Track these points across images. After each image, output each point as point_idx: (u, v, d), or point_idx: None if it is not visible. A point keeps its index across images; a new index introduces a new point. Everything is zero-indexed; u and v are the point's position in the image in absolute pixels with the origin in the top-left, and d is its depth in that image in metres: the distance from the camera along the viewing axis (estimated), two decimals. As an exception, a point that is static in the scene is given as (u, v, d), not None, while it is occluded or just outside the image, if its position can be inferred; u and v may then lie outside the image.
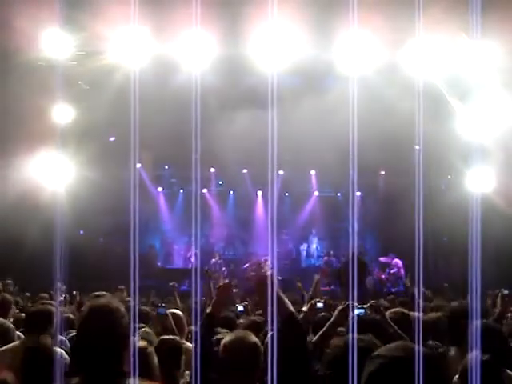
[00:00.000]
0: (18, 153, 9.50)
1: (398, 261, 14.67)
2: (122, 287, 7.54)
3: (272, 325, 2.65)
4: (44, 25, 8.87)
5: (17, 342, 3.97)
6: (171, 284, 6.93)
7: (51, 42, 9.11)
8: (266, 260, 14.32)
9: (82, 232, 13.54)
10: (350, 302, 3.77)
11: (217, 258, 15.14)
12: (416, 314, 3.91)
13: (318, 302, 4.94)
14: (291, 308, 2.94)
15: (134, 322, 2.27)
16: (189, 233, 15.37)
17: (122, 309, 2.32)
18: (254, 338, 2.86)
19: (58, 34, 9.00)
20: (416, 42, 8.80)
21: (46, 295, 7.23)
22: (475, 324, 2.72)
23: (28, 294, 8.54)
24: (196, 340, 2.89)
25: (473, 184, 9.92)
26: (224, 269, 14.79)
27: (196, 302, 3.20)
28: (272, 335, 2.61)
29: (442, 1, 7.64)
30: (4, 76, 9.07)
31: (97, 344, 2.24)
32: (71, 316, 5.58)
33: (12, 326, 4.33)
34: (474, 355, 2.40)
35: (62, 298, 6.31)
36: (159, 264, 15.74)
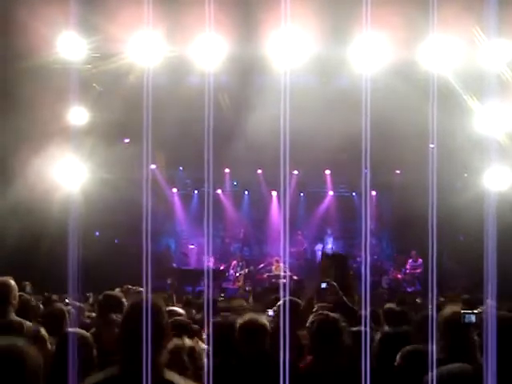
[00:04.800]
0: (33, 155, 9.58)
1: (421, 260, 14.54)
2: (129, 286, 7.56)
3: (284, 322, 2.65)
4: (59, 27, 8.93)
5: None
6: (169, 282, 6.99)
7: (66, 44, 9.17)
8: (277, 260, 14.31)
9: (97, 233, 13.64)
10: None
11: (238, 259, 15.15)
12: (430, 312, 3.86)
13: (323, 282, 4.97)
14: None
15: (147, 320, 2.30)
16: (204, 233, 15.39)
17: (163, 307, 2.53)
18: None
19: (72, 36, 9.06)
20: (431, 39, 8.73)
21: (56, 297, 7.27)
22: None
23: (45, 294, 8.60)
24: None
25: (489, 182, 9.81)
26: (246, 270, 14.80)
27: (208, 301, 3.24)
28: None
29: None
30: (19, 78, 9.15)
31: (138, 338, 2.40)
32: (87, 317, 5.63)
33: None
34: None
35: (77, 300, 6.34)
36: (174, 265, 15.79)
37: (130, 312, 2.51)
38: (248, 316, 3.43)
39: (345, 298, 4.75)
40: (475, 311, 3.73)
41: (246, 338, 3.26)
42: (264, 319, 3.43)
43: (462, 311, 3.72)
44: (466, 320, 3.67)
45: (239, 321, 3.37)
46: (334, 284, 4.83)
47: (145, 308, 2.34)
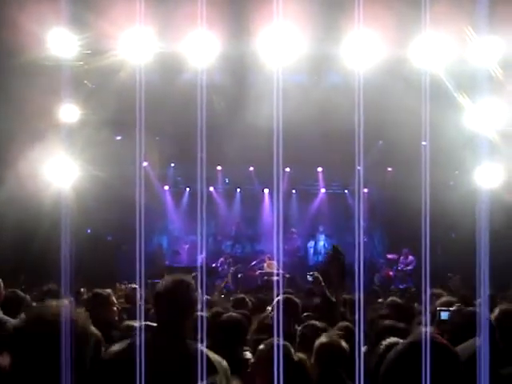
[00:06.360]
0: (24, 153, 9.53)
1: (412, 257, 14.63)
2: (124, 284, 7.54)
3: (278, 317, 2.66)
4: (49, 24, 8.87)
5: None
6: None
7: (57, 41, 9.11)
8: (269, 257, 14.35)
9: (89, 231, 13.60)
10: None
11: (226, 256, 15.19)
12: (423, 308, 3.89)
13: (309, 274, 5.04)
14: None
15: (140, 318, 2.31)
16: (195, 231, 15.40)
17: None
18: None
19: (63, 33, 9.01)
20: (422, 37, 8.75)
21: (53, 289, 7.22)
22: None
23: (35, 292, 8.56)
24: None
25: (481, 179, 9.87)
26: (233, 268, 14.82)
27: (202, 301, 3.24)
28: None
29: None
30: (10, 75, 9.09)
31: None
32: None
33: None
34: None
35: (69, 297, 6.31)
36: (167, 262, 15.77)
37: (171, 287, 2.79)
38: (327, 338, 3.32)
39: (326, 291, 4.78)
40: (450, 308, 3.78)
41: (323, 360, 3.15)
42: (344, 343, 3.28)
43: (438, 308, 3.78)
44: (442, 317, 3.71)
45: (317, 342, 3.25)
46: (318, 276, 4.88)
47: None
